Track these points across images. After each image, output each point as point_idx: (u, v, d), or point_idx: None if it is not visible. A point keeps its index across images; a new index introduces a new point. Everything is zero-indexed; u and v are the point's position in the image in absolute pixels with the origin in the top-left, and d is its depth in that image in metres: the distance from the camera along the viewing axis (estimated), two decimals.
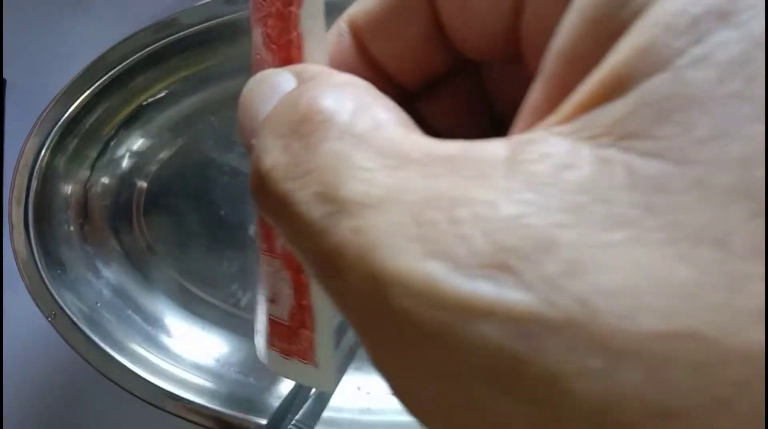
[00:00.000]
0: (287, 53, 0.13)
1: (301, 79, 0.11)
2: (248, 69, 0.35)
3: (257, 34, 0.14)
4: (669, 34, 0.07)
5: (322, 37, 0.12)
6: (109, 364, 0.30)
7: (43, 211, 0.30)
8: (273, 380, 0.34)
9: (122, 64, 0.29)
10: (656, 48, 0.07)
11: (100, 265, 0.33)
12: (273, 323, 0.14)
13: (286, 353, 0.13)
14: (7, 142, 0.37)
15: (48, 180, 0.30)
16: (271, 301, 0.13)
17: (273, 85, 0.11)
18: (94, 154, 0.32)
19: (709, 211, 0.06)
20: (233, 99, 0.36)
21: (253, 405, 0.32)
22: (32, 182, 0.29)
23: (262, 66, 0.13)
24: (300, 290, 0.13)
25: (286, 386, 0.34)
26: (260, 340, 0.14)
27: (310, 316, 0.12)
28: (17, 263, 0.30)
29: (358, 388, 0.34)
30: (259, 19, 0.13)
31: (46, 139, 0.29)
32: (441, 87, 0.14)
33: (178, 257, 0.34)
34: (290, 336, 0.13)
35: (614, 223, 0.06)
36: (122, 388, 0.30)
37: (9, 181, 0.29)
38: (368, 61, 0.13)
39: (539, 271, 0.06)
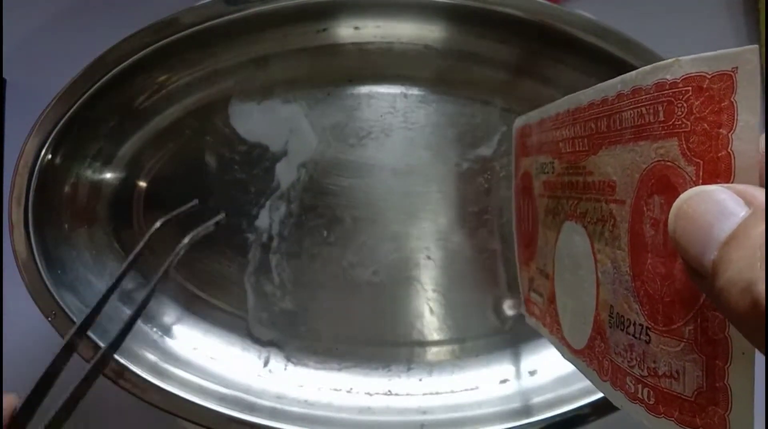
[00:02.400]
0: (714, 168, 0.14)
1: (752, 205, 0.13)
2: (246, 67, 0.34)
3: (664, 145, 0.16)
4: None
5: (753, 158, 0.14)
6: (108, 364, 0.30)
7: (43, 211, 0.30)
8: (272, 381, 0.34)
9: (122, 64, 0.29)
10: None
11: (99, 264, 0.33)
12: (667, 395, 0.16)
13: (689, 425, 0.16)
14: (7, 142, 0.37)
15: (48, 180, 0.30)
16: (668, 376, 0.16)
17: (721, 205, 0.13)
18: (93, 154, 0.32)
19: None
20: (233, 99, 0.36)
21: (254, 405, 0.32)
22: (32, 182, 0.29)
23: (665, 174, 0.16)
24: (714, 374, 0.15)
25: (280, 386, 0.34)
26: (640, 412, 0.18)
27: (725, 397, 0.15)
28: (17, 263, 0.30)
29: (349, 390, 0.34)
30: (672, 133, 0.15)
31: (46, 139, 0.29)
32: None
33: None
34: (695, 411, 0.15)
35: None
36: (122, 387, 0.30)
37: (9, 181, 0.29)
38: None
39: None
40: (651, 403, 0.17)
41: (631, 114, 0.17)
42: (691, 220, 0.14)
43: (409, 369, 0.35)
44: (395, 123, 0.33)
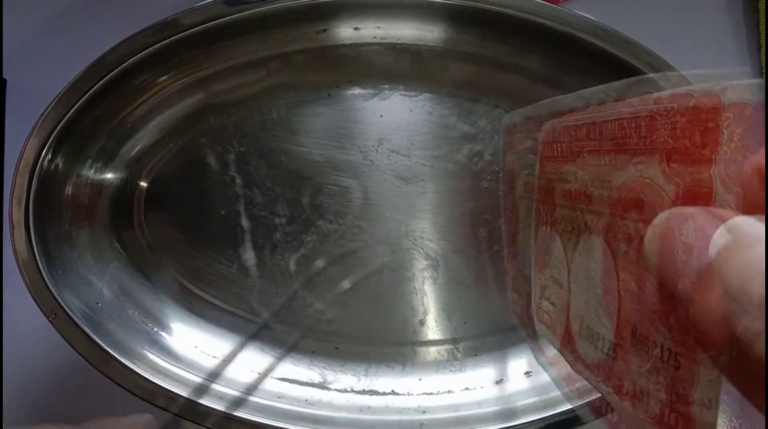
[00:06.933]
0: (695, 190, 0.14)
1: (732, 232, 0.12)
2: (247, 68, 0.34)
3: (643, 161, 0.15)
4: None
5: (735, 181, 0.13)
6: (109, 363, 0.30)
7: (43, 211, 0.30)
8: (272, 381, 0.34)
9: (122, 65, 0.29)
10: None
11: (100, 264, 0.33)
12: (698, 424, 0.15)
13: None
14: (8, 142, 0.37)
15: (49, 180, 0.30)
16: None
17: (701, 231, 0.13)
18: (94, 154, 0.32)
19: None
20: (233, 99, 0.36)
21: (254, 404, 0.32)
22: (33, 182, 0.29)
23: (643, 191, 0.15)
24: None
25: (281, 386, 0.34)
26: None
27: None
28: (18, 263, 0.30)
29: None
30: (653, 149, 0.15)
31: (47, 139, 0.29)
32: None
33: (178, 257, 0.34)
34: None
35: None
36: (123, 387, 0.30)
37: (10, 181, 0.29)
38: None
39: None
40: None
41: (612, 126, 0.17)
42: (668, 243, 0.13)
43: (408, 368, 0.35)
44: (395, 123, 0.34)
